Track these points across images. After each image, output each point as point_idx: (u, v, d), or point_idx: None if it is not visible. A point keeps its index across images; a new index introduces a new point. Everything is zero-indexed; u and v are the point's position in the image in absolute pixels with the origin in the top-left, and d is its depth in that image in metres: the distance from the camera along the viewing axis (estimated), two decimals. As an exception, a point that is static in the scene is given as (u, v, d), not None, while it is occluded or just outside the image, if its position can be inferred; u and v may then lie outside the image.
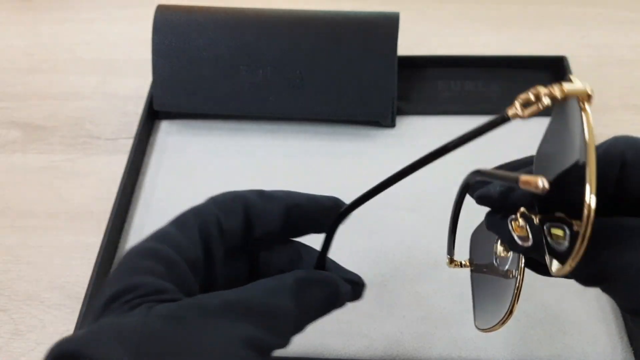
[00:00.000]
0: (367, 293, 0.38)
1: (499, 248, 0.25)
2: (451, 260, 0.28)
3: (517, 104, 0.18)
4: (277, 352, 0.34)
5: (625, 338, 0.35)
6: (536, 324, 0.36)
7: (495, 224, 0.23)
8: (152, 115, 0.49)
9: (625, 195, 0.20)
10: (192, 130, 0.49)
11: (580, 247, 0.16)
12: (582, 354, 0.35)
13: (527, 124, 0.51)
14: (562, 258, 0.18)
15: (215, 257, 0.22)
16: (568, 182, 0.18)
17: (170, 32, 0.46)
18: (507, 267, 0.25)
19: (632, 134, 0.51)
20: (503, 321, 0.24)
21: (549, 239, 0.19)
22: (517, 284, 0.23)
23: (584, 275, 0.19)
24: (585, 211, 0.16)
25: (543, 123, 0.51)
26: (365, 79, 0.45)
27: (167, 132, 0.49)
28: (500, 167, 0.24)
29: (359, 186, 0.44)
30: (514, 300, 0.23)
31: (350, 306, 0.38)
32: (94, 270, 0.38)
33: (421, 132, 0.48)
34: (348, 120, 0.48)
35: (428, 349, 0.36)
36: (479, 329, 0.27)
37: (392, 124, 0.48)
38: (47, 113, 0.52)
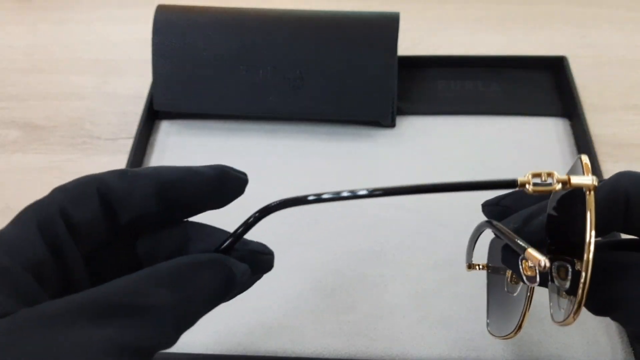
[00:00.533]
0: (368, 293, 0.38)
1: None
2: (470, 266, 0.29)
3: (529, 176, 0.20)
4: (277, 352, 0.34)
5: (626, 338, 0.35)
6: (536, 324, 0.36)
7: (508, 260, 0.24)
8: (152, 116, 0.49)
9: (631, 232, 0.22)
10: (191, 130, 0.49)
11: (580, 302, 0.19)
12: (582, 353, 0.35)
13: (527, 125, 0.51)
14: (568, 295, 0.21)
15: (68, 256, 0.18)
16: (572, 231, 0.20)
17: (170, 32, 0.46)
18: (519, 288, 0.26)
19: (632, 134, 0.51)
20: (512, 334, 0.25)
21: (555, 281, 0.22)
22: (526, 302, 0.24)
23: (594, 306, 0.22)
24: (581, 283, 0.19)
25: (543, 123, 0.51)
26: (365, 79, 0.45)
27: (167, 132, 0.49)
28: (512, 213, 0.25)
29: (359, 186, 0.44)
30: (523, 318, 0.24)
31: (350, 306, 0.38)
32: (93, 271, 0.38)
33: (421, 132, 0.48)
34: (348, 120, 0.48)
35: (428, 349, 0.36)
36: (491, 334, 0.28)
37: (392, 124, 0.48)
38: (47, 113, 0.52)
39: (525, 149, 0.46)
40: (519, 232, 0.23)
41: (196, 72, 0.47)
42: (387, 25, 0.46)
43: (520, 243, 0.20)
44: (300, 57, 0.46)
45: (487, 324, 0.29)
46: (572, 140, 0.46)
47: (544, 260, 0.19)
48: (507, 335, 0.25)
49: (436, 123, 0.48)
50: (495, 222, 0.23)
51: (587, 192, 0.19)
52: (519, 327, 0.24)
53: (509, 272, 0.27)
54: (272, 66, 0.46)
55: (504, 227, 0.23)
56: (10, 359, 0.13)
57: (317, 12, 0.47)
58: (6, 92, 0.54)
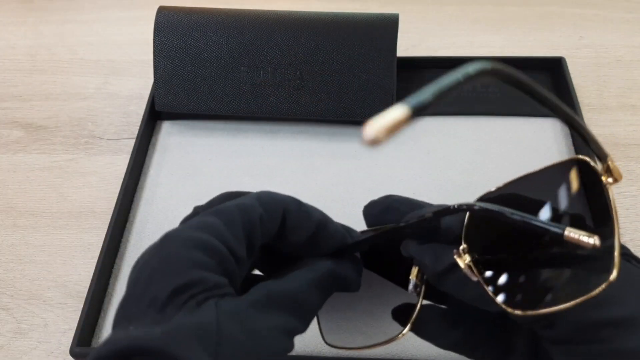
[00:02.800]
0: (367, 292, 0.38)
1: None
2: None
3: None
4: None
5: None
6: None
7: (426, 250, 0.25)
8: (154, 116, 0.50)
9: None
10: (193, 130, 0.49)
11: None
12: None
13: (525, 125, 0.51)
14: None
15: (254, 253, 0.23)
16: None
17: (171, 33, 0.47)
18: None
19: (629, 134, 0.51)
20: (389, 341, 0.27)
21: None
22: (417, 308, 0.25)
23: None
24: None
25: (541, 123, 0.51)
26: (365, 80, 0.46)
27: (169, 133, 0.50)
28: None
29: (359, 186, 0.45)
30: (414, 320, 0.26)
31: (349, 304, 0.38)
32: (96, 269, 0.39)
33: (420, 132, 0.48)
34: (348, 120, 0.48)
35: (428, 347, 0.36)
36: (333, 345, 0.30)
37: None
38: (50, 113, 0.53)
39: (524, 149, 0.46)
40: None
41: (197, 73, 0.47)
42: (387, 26, 0.46)
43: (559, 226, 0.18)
44: (300, 58, 0.46)
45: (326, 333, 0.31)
46: (569, 141, 0.47)
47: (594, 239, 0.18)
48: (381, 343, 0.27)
49: (435, 124, 0.48)
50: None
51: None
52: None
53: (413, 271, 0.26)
54: (272, 67, 0.46)
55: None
56: (244, 336, 0.19)
57: (317, 13, 0.47)
58: (9, 92, 0.55)
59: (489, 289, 0.21)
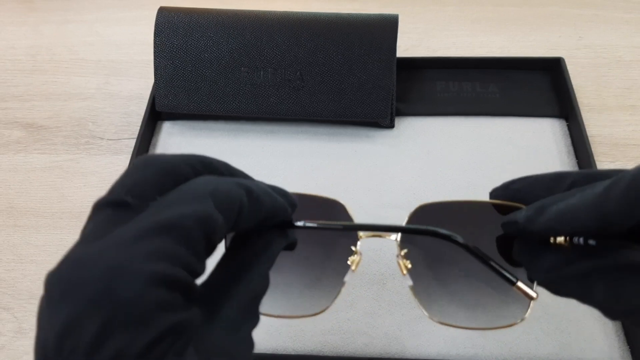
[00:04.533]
0: (367, 291, 0.38)
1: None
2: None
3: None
4: (277, 349, 0.34)
5: (622, 336, 0.36)
6: (534, 323, 0.36)
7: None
8: (154, 116, 0.50)
9: None
10: (193, 131, 0.50)
11: None
12: (579, 352, 0.35)
13: (524, 126, 0.52)
14: None
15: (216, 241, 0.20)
16: None
17: (171, 33, 0.47)
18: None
19: (628, 134, 0.51)
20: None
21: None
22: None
23: (614, 313, 0.22)
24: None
25: (540, 124, 0.51)
26: (365, 80, 0.46)
27: (169, 133, 0.50)
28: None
29: (358, 186, 0.45)
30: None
31: (349, 304, 0.38)
32: (96, 269, 0.39)
33: (420, 133, 0.48)
34: (348, 120, 0.48)
35: (427, 347, 0.36)
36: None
37: (391, 125, 0.48)
38: (50, 113, 0.53)
39: (523, 149, 0.46)
40: (532, 221, 0.22)
41: (197, 73, 0.47)
42: (386, 27, 0.46)
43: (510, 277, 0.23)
44: (300, 58, 0.46)
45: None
46: (569, 141, 0.47)
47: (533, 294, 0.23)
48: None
49: (435, 124, 0.48)
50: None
51: None
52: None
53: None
54: (272, 67, 0.47)
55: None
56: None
57: (317, 14, 0.47)
58: (9, 92, 0.55)
59: None
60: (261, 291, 0.22)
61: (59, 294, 0.16)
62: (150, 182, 0.19)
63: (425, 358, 0.36)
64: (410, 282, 0.26)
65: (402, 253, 0.26)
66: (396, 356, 0.36)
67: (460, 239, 0.24)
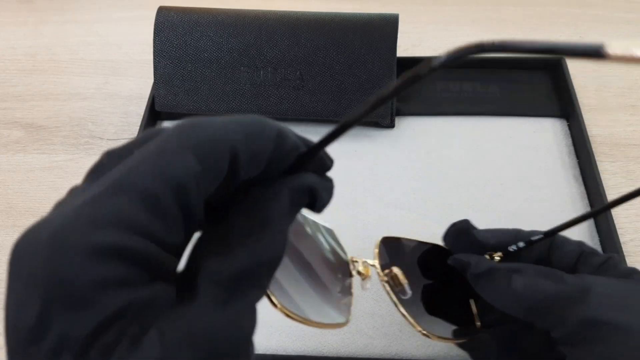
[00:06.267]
0: (367, 292, 0.38)
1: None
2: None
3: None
4: (277, 350, 0.34)
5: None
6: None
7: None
8: (154, 116, 0.50)
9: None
10: (193, 130, 0.49)
11: None
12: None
13: (525, 126, 0.51)
14: None
15: (194, 220, 0.15)
16: None
17: (171, 33, 0.47)
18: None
19: (629, 134, 0.51)
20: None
21: None
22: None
23: (522, 302, 0.25)
24: None
25: (541, 123, 0.51)
26: (365, 80, 0.46)
27: (169, 133, 0.50)
28: None
29: (358, 186, 0.45)
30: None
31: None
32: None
33: (420, 132, 0.48)
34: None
35: (427, 347, 0.36)
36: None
37: (391, 125, 0.48)
38: (50, 113, 0.53)
39: (523, 149, 0.46)
40: (477, 276, 0.27)
41: (197, 73, 0.47)
42: (387, 26, 0.46)
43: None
44: (300, 57, 0.46)
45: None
46: (569, 141, 0.47)
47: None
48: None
49: (435, 124, 0.48)
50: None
51: None
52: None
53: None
54: (272, 67, 0.46)
55: None
56: None
57: (317, 13, 0.47)
58: (9, 92, 0.55)
59: None
60: (271, 257, 0.16)
61: (9, 269, 0.14)
62: (140, 141, 0.16)
63: (425, 358, 0.35)
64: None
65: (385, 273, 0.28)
66: (396, 356, 0.36)
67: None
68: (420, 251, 0.31)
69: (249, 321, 0.16)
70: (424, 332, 0.27)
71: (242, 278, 0.15)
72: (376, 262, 0.28)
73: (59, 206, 0.15)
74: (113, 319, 0.13)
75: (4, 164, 0.49)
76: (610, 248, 0.39)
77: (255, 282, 0.16)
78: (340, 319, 0.23)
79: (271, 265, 0.16)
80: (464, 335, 0.30)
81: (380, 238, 0.29)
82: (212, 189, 0.15)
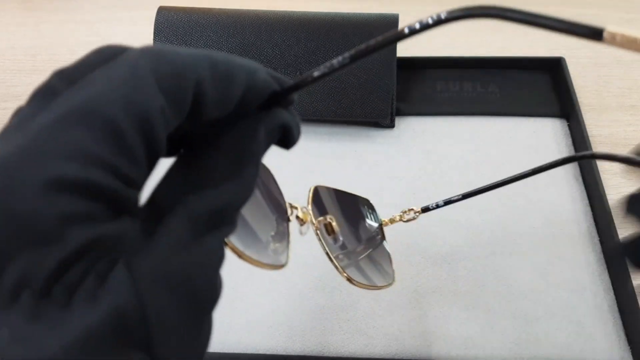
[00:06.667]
0: (367, 292, 0.38)
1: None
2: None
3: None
4: (277, 350, 0.34)
5: (623, 337, 0.36)
6: (534, 323, 0.36)
7: None
8: (154, 116, 0.50)
9: None
10: (193, 130, 0.49)
11: None
12: (579, 352, 0.35)
13: (525, 126, 0.51)
14: None
15: (157, 153, 0.15)
16: None
17: (171, 33, 0.47)
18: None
19: (629, 134, 0.51)
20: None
21: None
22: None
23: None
24: None
25: (541, 123, 0.51)
26: (365, 80, 0.46)
27: (169, 133, 0.50)
28: None
29: (358, 186, 0.45)
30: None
31: (349, 304, 0.38)
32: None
33: (420, 132, 0.48)
34: (348, 120, 0.48)
35: (427, 347, 0.36)
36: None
37: (391, 125, 0.48)
38: (50, 113, 0.53)
39: (523, 149, 0.46)
40: None
41: (197, 73, 0.47)
42: (387, 26, 0.46)
43: None
44: (300, 58, 0.46)
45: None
46: (569, 141, 0.47)
47: None
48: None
49: (435, 124, 0.48)
50: None
51: None
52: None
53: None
54: (272, 67, 0.46)
55: None
56: (160, 319, 0.13)
57: (317, 13, 0.47)
58: (9, 92, 0.55)
59: None
60: (244, 196, 0.16)
61: None
62: (93, 62, 0.14)
63: (425, 358, 0.35)
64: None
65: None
66: (396, 356, 0.36)
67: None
68: (349, 202, 0.32)
69: (221, 257, 0.15)
70: (350, 279, 0.28)
71: (218, 215, 0.15)
72: (309, 208, 0.27)
73: (5, 133, 0.14)
74: (77, 255, 0.12)
75: (4, 164, 0.49)
76: (610, 248, 0.39)
77: (227, 218, 0.15)
78: (279, 262, 0.24)
79: (243, 203, 0.16)
80: (383, 284, 0.31)
81: (313, 186, 0.29)
82: (174, 124, 0.14)
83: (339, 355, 0.36)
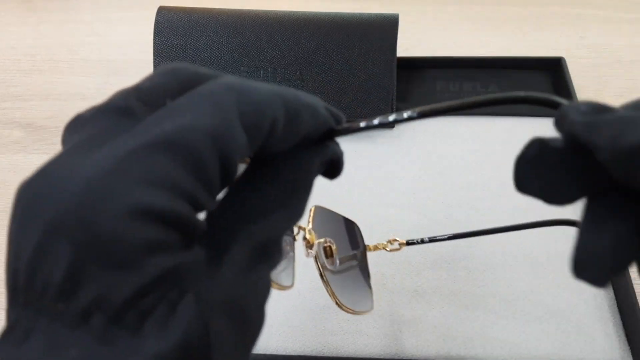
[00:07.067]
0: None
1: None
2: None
3: None
4: (278, 350, 0.34)
5: (623, 337, 0.36)
6: (534, 323, 0.36)
7: None
8: (154, 116, 0.50)
9: None
10: (193, 130, 0.49)
11: None
12: (579, 352, 0.35)
13: (525, 126, 0.51)
14: None
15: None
16: None
17: (171, 33, 0.47)
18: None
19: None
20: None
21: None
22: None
23: None
24: None
25: (541, 123, 0.51)
26: (365, 80, 0.46)
27: (169, 133, 0.50)
28: None
29: (359, 186, 0.45)
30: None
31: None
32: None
33: (420, 132, 0.48)
34: (348, 120, 0.48)
35: (426, 347, 0.36)
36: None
37: (391, 125, 0.48)
38: (50, 113, 0.53)
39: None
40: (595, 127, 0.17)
41: (197, 73, 0.47)
42: (387, 26, 0.46)
43: None
44: (300, 58, 0.46)
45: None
46: (569, 141, 0.47)
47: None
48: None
49: (435, 124, 0.48)
50: None
51: None
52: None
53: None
54: (272, 67, 0.46)
55: None
56: (223, 345, 0.14)
57: (317, 13, 0.47)
58: (9, 92, 0.55)
59: None
60: (287, 228, 0.17)
61: (18, 210, 0.13)
62: (168, 86, 0.15)
63: (425, 358, 0.35)
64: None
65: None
66: (396, 356, 0.36)
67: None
68: (341, 224, 0.32)
69: (270, 287, 0.16)
70: (341, 304, 0.28)
71: (273, 244, 0.16)
72: (310, 229, 0.27)
73: (79, 145, 0.13)
74: (155, 284, 0.12)
75: (4, 164, 0.49)
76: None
77: (277, 247, 0.16)
78: (286, 282, 0.25)
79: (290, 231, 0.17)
80: (365, 310, 0.31)
81: (313, 206, 0.29)
82: (249, 153, 0.15)
83: (339, 355, 0.36)
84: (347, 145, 0.47)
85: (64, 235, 0.12)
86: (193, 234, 0.14)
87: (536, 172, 0.16)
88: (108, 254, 0.12)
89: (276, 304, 0.38)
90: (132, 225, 0.12)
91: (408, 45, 0.57)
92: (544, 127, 0.48)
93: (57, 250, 0.12)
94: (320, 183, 0.46)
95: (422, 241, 0.32)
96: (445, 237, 0.32)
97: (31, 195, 0.12)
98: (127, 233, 0.12)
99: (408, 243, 0.33)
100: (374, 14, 0.47)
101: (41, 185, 0.12)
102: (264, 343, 0.36)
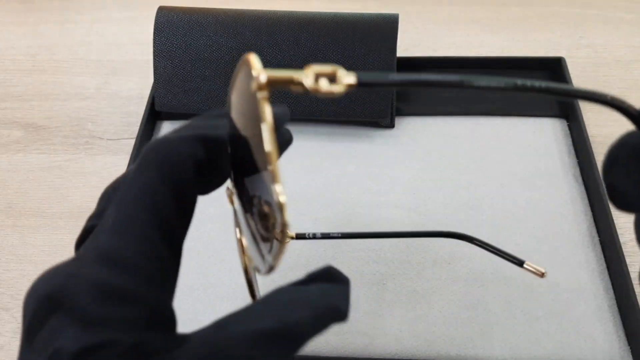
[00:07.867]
0: (367, 292, 0.38)
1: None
2: None
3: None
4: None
5: (623, 337, 0.36)
6: (534, 322, 0.36)
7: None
8: (154, 116, 0.50)
9: None
10: (193, 130, 0.49)
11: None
12: (579, 352, 0.35)
13: (525, 126, 0.51)
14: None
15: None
16: None
17: (171, 33, 0.47)
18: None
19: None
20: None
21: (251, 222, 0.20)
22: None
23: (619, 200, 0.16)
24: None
25: (541, 123, 0.51)
26: (365, 80, 0.46)
27: (168, 133, 0.50)
28: None
29: (358, 186, 0.45)
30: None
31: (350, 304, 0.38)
32: (96, 269, 0.39)
33: (420, 132, 0.48)
34: (348, 120, 0.48)
35: (427, 347, 0.36)
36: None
37: (391, 125, 0.48)
38: (49, 113, 0.53)
39: (523, 149, 0.46)
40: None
41: (197, 73, 0.47)
42: (387, 26, 0.46)
43: None
44: (300, 57, 0.46)
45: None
46: (569, 141, 0.47)
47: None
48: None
49: (435, 124, 0.48)
50: None
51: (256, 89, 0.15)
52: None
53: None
54: (272, 67, 0.46)
55: None
56: None
57: (317, 13, 0.47)
58: (9, 92, 0.55)
59: None
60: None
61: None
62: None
63: (425, 358, 0.35)
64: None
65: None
66: (396, 356, 0.36)
67: (476, 240, 0.31)
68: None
69: None
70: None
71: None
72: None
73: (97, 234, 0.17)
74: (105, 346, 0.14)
75: (4, 164, 0.49)
76: (610, 248, 0.39)
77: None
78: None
79: None
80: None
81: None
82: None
83: (339, 355, 0.36)
84: (347, 145, 0.47)
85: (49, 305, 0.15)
86: (153, 307, 0.15)
87: (636, 165, 0.14)
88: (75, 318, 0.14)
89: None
90: (97, 310, 0.15)
91: (408, 45, 0.57)
92: (544, 127, 0.48)
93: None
94: (320, 183, 0.45)
95: (314, 236, 0.30)
96: (339, 234, 0.31)
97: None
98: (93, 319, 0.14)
99: (298, 237, 0.31)
100: (374, 14, 0.47)
101: (37, 283, 0.16)
102: (264, 343, 0.36)
